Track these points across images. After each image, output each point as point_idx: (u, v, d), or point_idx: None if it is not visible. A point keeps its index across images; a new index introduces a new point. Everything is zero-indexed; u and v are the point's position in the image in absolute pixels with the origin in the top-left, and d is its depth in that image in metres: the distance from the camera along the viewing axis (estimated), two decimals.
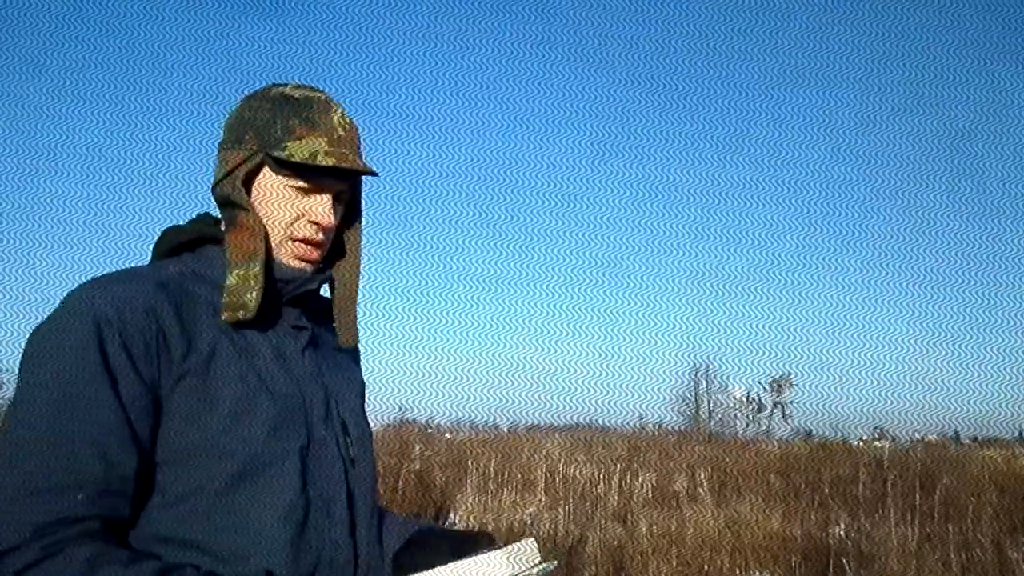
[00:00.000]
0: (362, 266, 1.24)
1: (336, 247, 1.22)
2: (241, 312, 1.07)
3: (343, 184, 1.15)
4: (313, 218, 1.12)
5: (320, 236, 1.14)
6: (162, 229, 1.17)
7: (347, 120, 1.15)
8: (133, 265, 1.13)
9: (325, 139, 1.11)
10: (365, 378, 1.34)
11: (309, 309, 1.19)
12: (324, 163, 1.09)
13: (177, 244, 1.14)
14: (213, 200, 1.17)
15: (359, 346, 1.33)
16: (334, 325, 1.24)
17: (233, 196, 1.12)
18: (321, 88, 1.17)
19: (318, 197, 1.13)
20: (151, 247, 1.17)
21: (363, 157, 1.17)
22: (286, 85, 1.16)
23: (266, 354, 1.10)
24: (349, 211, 1.22)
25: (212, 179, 1.16)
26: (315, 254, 1.15)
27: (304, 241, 1.13)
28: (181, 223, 1.17)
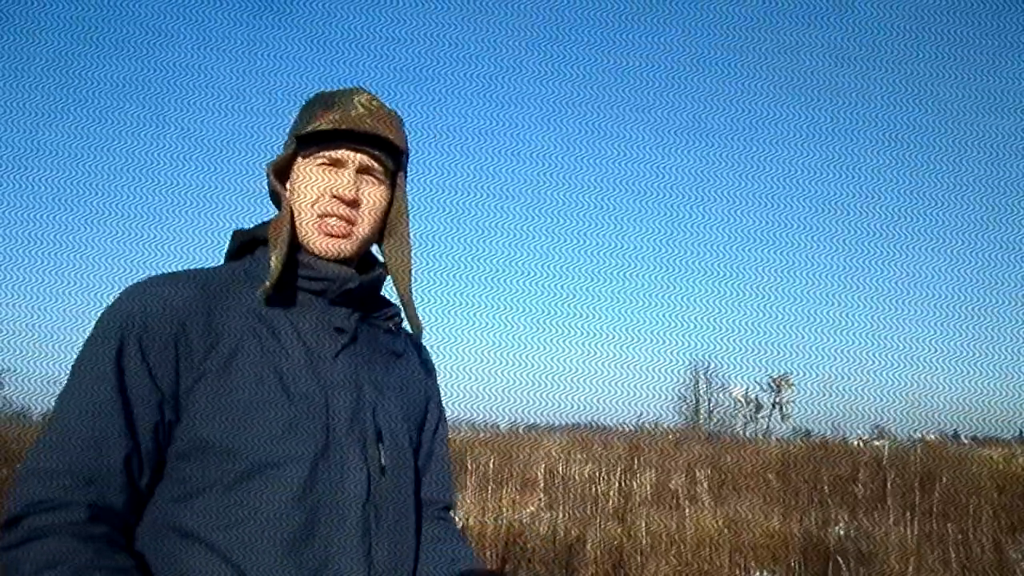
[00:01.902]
0: (412, 252, 1.23)
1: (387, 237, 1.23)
2: (265, 285, 1.10)
3: (365, 157, 1.16)
4: (333, 191, 1.14)
5: (343, 210, 1.15)
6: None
7: (374, 103, 1.18)
8: (206, 265, 1.19)
9: (338, 115, 1.14)
10: None
11: (364, 308, 1.20)
12: (324, 128, 1.12)
13: (240, 245, 1.20)
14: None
15: (433, 363, 1.35)
16: (391, 324, 1.24)
17: (270, 186, 1.19)
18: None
19: (339, 172, 1.16)
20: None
21: (394, 137, 1.17)
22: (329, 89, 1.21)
23: (296, 356, 1.11)
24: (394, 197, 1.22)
25: None
26: (340, 228, 1.15)
27: (328, 215, 1.15)
28: (247, 227, 1.22)
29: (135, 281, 1.11)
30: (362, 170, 1.17)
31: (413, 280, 1.22)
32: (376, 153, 1.17)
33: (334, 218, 1.14)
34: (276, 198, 1.19)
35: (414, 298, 1.22)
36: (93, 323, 1.09)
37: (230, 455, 1.03)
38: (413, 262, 1.22)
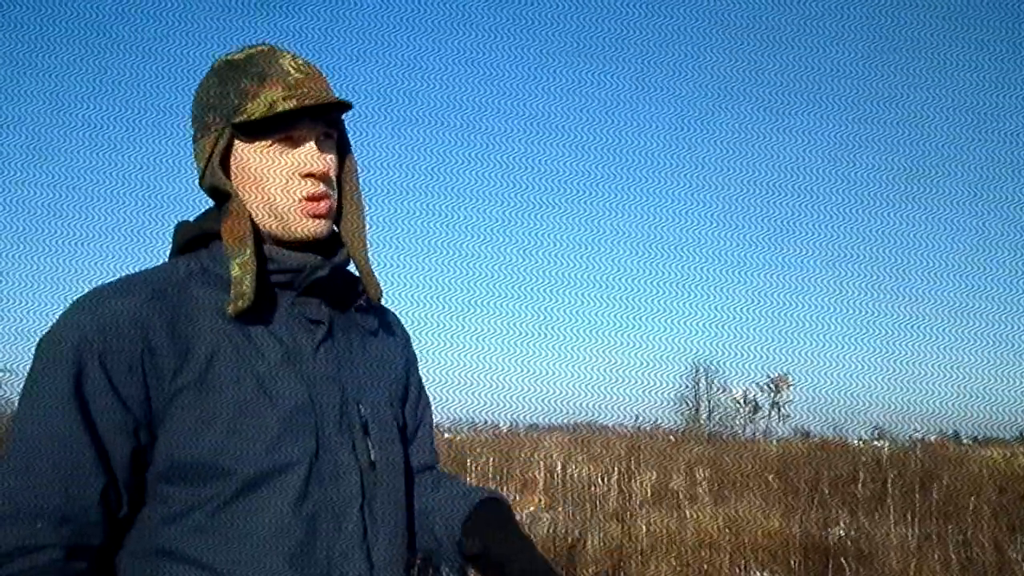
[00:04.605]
0: (365, 209, 1.16)
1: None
2: (240, 301, 1.01)
3: (319, 126, 1.08)
4: (305, 170, 1.06)
5: (321, 187, 1.07)
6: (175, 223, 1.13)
7: (301, 62, 1.08)
8: (148, 264, 1.10)
9: (280, 86, 1.04)
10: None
11: (333, 294, 1.13)
12: (284, 108, 1.02)
13: (190, 239, 1.10)
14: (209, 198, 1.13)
15: (405, 328, 1.29)
16: (362, 301, 1.17)
17: (216, 182, 1.07)
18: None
19: (301, 148, 1.07)
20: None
21: (331, 92, 1.09)
22: (228, 53, 1.09)
23: (274, 356, 1.04)
24: (339, 155, 1.14)
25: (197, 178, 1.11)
26: (324, 206, 1.07)
27: (310, 198, 1.06)
28: (190, 218, 1.13)
29: (79, 296, 1.01)
30: (318, 139, 1.08)
31: (369, 245, 1.16)
32: (330, 119, 1.09)
33: (313, 199, 1.06)
34: (218, 192, 1.09)
35: (372, 264, 1.16)
36: (38, 346, 0.99)
37: (221, 473, 0.98)
38: (367, 226, 1.15)
